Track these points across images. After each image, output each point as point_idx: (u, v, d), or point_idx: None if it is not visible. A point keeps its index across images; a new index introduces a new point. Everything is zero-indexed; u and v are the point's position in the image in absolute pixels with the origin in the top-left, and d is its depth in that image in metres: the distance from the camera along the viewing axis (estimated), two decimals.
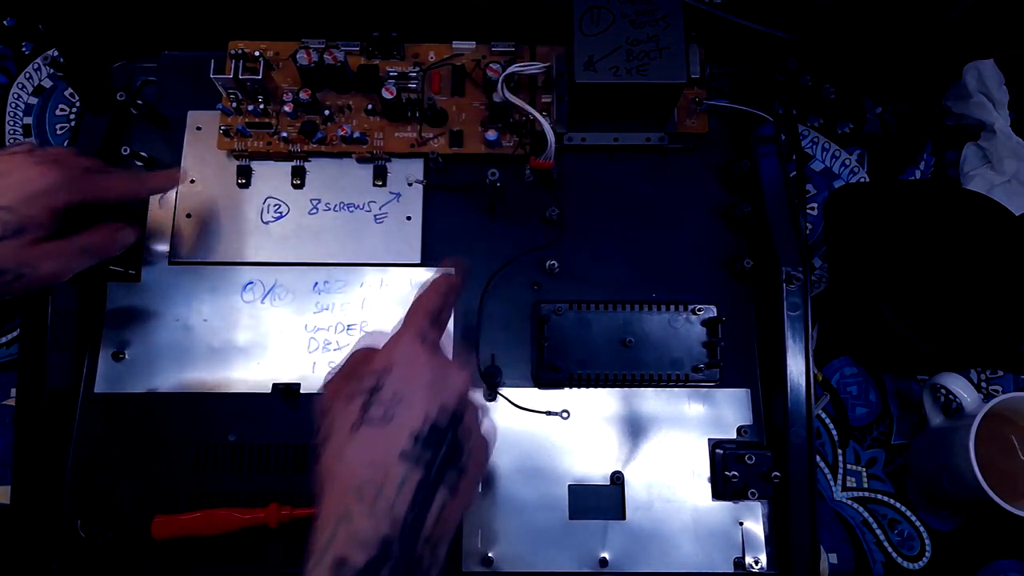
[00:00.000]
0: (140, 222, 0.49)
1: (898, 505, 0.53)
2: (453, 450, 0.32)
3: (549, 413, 0.48)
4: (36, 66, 0.61)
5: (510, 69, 0.48)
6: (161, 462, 0.47)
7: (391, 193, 0.51)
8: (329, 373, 0.35)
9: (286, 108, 0.50)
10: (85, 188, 0.41)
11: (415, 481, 0.30)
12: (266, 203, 0.51)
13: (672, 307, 0.49)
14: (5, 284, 0.38)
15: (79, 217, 0.41)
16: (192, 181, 0.51)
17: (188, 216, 0.50)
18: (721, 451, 0.47)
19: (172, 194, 0.51)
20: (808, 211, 0.57)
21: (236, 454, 0.47)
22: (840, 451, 0.53)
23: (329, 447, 0.32)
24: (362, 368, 0.33)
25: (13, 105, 0.59)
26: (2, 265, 0.37)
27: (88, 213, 0.42)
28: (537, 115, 0.47)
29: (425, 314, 0.35)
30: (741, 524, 0.46)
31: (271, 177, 0.51)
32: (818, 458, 0.53)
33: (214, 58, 0.49)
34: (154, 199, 0.51)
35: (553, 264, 0.49)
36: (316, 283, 0.50)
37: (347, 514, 0.30)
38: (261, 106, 0.50)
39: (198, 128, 0.52)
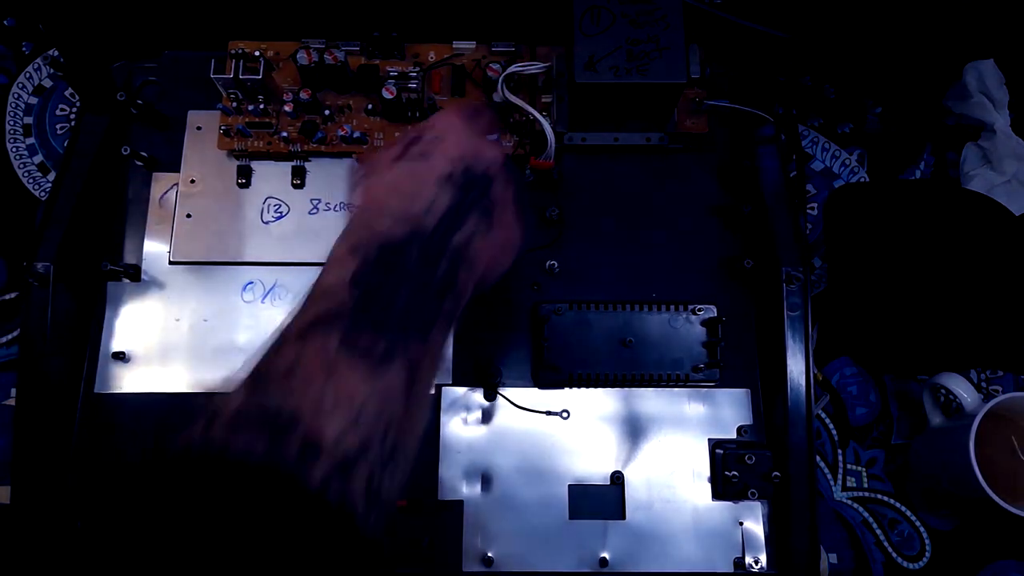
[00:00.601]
0: None
1: (898, 505, 0.53)
2: (483, 202, 0.34)
3: (549, 413, 0.48)
4: (36, 66, 0.61)
5: (510, 69, 0.48)
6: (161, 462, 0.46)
7: None
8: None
9: (286, 108, 0.50)
10: None
11: (447, 199, 0.32)
12: (266, 203, 0.51)
13: (672, 307, 0.49)
14: None
15: None
16: (192, 181, 0.51)
17: (188, 216, 0.50)
18: (721, 451, 0.47)
19: (172, 194, 0.51)
20: (808, 211, 0.57)
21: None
22: (840, 451, 0.53)
23: (368, 176, 0.35)
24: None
25: (13, 105, 0.59)
26: None
27: None
28: (537, 115, 0.47)
29: (469, 104, 0.41)
30: (741, 524, 0.46)
31: (271, 177, 0.51)
32: (818, 458, 0.53)
33: (214, 58, 0.48)
34: (154, 198, 0.51)
35: (553, 264, 0.49)
36: None
37: (381, 208, 0.32)
38: (261, 106, 0.50)
39: (198, 128, 0.52)
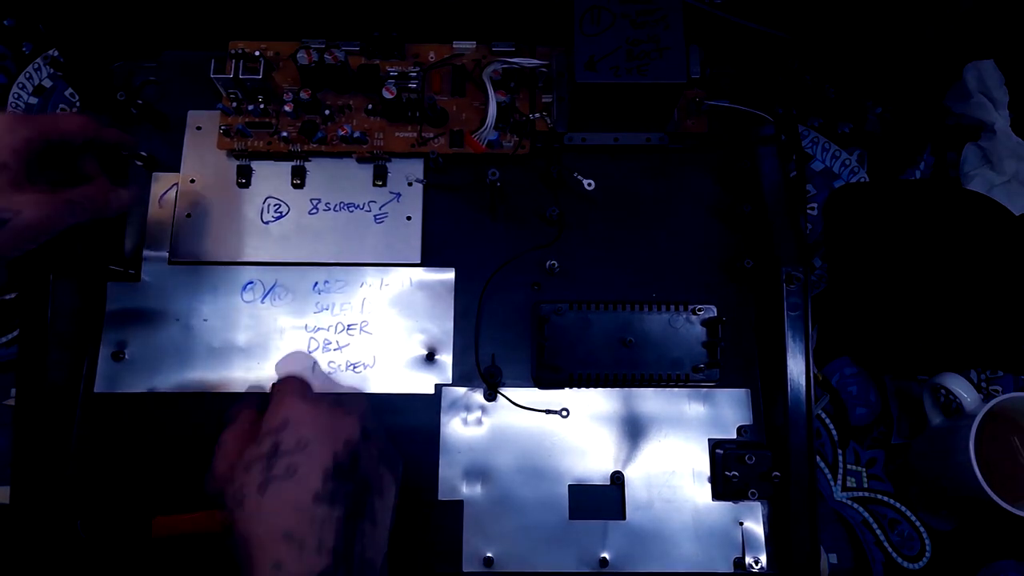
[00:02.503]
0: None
1: (898, 505, 0.53)
2: (363, 485, 0.34)
3: (548, 411, 0.48)
4: (36, 66, 0.61)
5: (496, 63, 0.48)
6: (161, 462, 0.47)
7: (391, 193, 0.51)
8: (215, 461, 0.36)
9: (286, 108, 0.50)
10: (43, 123, 0.40)
11: (336, 518, 0.32)
12: (266, 203, 0.51)
13: (672, 307, 0.49)
14: None
15: (62, 171, 0.41)
16: (192, 181, 0.51)
17: (188, 216, 0.50)
18: (721, 451, 0.47)
19: (172, 194, 0.51)
20: (808, 211, 0.57)
21: None
22: (840, 451, 0.53)
23: (242, 514, 0.32)
24: (252, 435, 0.35)
25: (13, 105, 0.59)
26: None
27: (71, 169, 0.42)
28: (492, 96, 0.48)
29: (297, 378, 0.37)
30: (741, 524, 0.46)
31: (271, 177, 0.51)
32: (818, 458, 0.53)
33: (214, 58, 0.49)
34: (154, 199, 0.51)
35: (553, 264, 0.49)
36: (316, 283, 0.50)
37: (278, 563, 0.30)
38: (261, 106, 0.50)
39: (198, 128, 0.51)
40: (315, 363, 0.47)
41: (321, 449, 0.33)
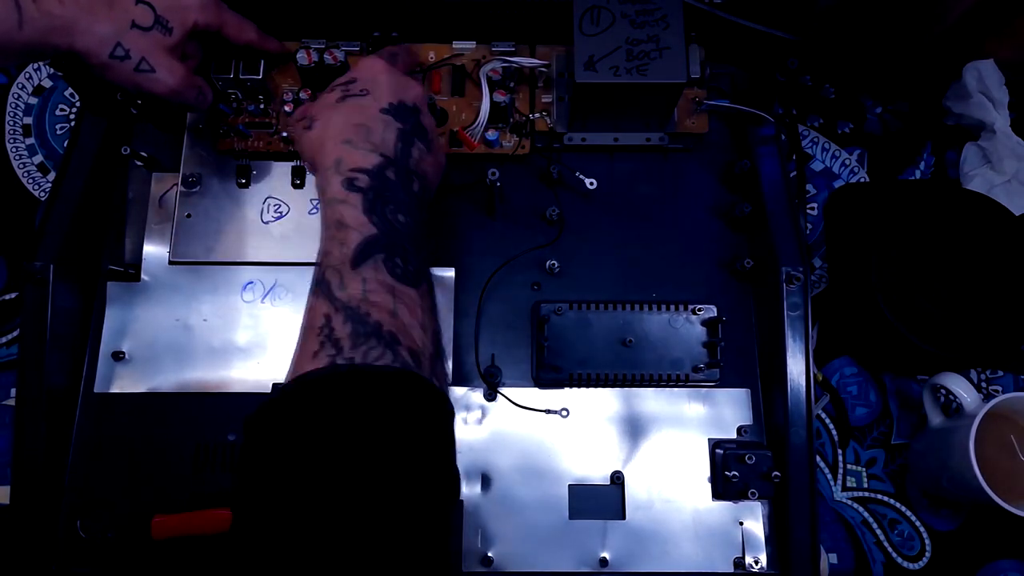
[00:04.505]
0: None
1: (898, 505, 0.53)
2: (420, 127, 0.41)
3: (548, 411, 0.48)
4: (36, 66, 0.61)
5: (493, 62, 0.48)
6: (161, 462, 0.47)
7: None
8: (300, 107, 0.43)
9: (286, 108, 0.50)
10: (222, 18, 0.45)
11: (396, 127, 0.39)
12: (266, 203, 0.51)
13: (672, 307, 0.49)
14: (126, 70, 0.42)
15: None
16: (192, 181, 0.51)
17: (188, 216, 0.50)
18: (721, 451, 0.47)
19: (172, 194, 0.51)
20: (808, 211, 0.57)
21: (236, 454, 0.47)
22: (840, 451, 0.53)
23: (317, 121, 0.39)
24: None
25: (13, 105, 0.59)
26: (131, 49, 0.41)
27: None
28: (486, 93, 0.48)
29: (386, 51, 0.46)
30: (741, 524, 0.46)
31: (271, 177, 0.51)
32: (818, 458, 0.53)
33: (214, 58, 0.48)
34: (154, 198, 0.51)
35: (553, 264, 0.49)
36: None
37: (349, 144, 0.37)
38: (261, 106, 0.50)
39: (199, 127, 0.52)
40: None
41: (391, 86, 0.40)
